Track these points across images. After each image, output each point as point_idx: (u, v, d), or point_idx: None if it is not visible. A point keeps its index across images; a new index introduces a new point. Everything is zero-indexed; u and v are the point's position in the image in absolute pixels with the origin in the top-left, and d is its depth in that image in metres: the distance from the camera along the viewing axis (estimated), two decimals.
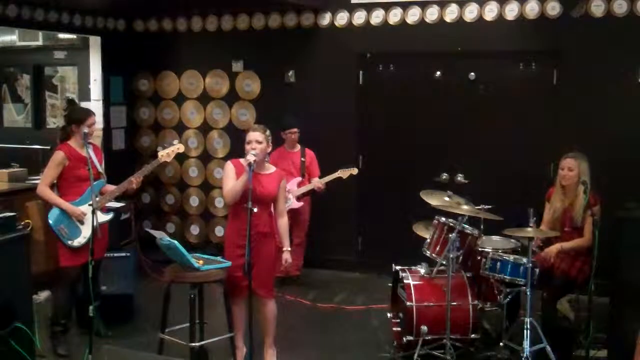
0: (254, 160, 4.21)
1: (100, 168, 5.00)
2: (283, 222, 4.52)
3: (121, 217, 6.13)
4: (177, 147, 5.10)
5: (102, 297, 5.17)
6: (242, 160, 4.45)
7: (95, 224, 4.44)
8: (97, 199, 4.75)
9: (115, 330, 5.23)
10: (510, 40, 6.32)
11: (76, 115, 4.91)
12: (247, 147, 4.31)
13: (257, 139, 4.32)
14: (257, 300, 4.39)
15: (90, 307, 4.23)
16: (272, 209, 4.50)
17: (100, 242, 4.89)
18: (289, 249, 4.52)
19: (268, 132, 4.43)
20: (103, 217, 4.94)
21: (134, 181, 4.95)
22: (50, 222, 4.79)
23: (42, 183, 4.87)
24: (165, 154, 5.03)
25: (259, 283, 4.32)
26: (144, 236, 6.32)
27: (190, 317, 4.26)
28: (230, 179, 4.34)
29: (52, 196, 4.85)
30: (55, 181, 4.90)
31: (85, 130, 4.73)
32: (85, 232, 4.82)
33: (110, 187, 5.01)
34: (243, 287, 4.26)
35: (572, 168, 4.73)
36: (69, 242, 4.81)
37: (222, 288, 4.42)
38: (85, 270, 4.48)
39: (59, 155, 4.82)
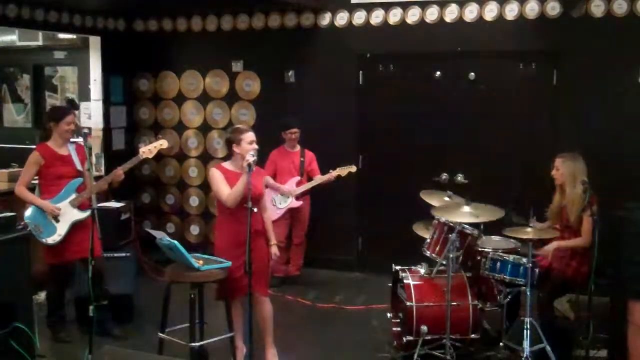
0: (253, 161, 4.20)
1: (80, 167, 5.00)
2: (267, 216, 4.58)
3: (121, 217, 6.13)
4: (160, 144, 5.06)
5: (109, 297, 5.19)
6: (225, 164, 4.48)
7: (94, 221, 4.45)
8: (74, 196, 4.88)
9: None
10: (510, 40, 6.32)
11: (53, 114, 5.02)
12: (248, 147, 4.31)
13: (255, 139, 4.37)
14: (253, 299, 4.40)
15: (91, 307, 4.23)
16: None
17: (82, 243, 4.80)
18: (275, 242, 4.58)
19: None
20: (79, 215, 4.92)
21: (117, 174, 4.96)
22: (26, 220, 4.84)
23: (19, 183, 4.97)
24: (147, 150, 5.00)
25: (255, 281, 4.32)
26: (144, 236, 6.32)
27: (190, 317, 4.26)
28: (224, 185, 4.33)
29: (28, 195, 4.93)
30: (36, 180, 4.99)
31: (66, 128, 4.83)
32: (61, 229, 4.87)
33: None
34: (241, 287, 4.26)
35: (557, 167, 4.82)
36: (43, 240, 4.85)
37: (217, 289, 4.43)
38: (83, 268, 4.49)
39: (34, 155, 4.93)
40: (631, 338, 2.04)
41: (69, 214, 4.87)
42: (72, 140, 5.12)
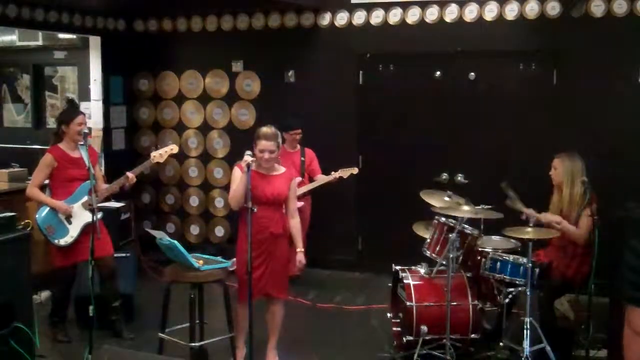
0: (252, 161, 4.19)
1: (92, 170, 4.99)
2: (295, 223, 4.49)
3: (121, 217, 6.13)
4: (171, 148, 5.13)
5: (122, 297, 5.20)
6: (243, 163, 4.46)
7: (94, 219, 4.47)
8: (86, 198, 4.86)
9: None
10: (510, 40, 6.32)
11: (64, 116, 5.03)
12: (259, 154, 4.26)
13: (270, 149, 4.27)
14: (269, 301, 4.46)
15: (90, 307, 4.23)
16: (283, 209, 4.49)
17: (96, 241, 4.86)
18: (303, 249, 4.51)
19: (279, 136, 4.39)
20: (91, 218, 4.92)
21: (129, 177, 4.98)
22: (38, 221, 4.87)
23: (31, 184, 4.99)
24: (158, 155, 5.07)
25: (273, 284, 4.35)
26: (144, 236, 6.33)
27: (190, 317, 4.27)
28: (236, 185, 4.32)
29: (41, 196, 4.96)
30: (47, 182, 5.00)
31: (78, 129, 4.80)
32: (73, 231, 4.89)
33: (103, 187, 5.05)
34: (259, 288, 4.29)
35: (555, 167, 4.82)
36: (55, 242, 4.88)
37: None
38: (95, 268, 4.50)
39: (47, 158, 4.94)
40: (626, 342, 2.04)
41: (81, 216, 4.89)
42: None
